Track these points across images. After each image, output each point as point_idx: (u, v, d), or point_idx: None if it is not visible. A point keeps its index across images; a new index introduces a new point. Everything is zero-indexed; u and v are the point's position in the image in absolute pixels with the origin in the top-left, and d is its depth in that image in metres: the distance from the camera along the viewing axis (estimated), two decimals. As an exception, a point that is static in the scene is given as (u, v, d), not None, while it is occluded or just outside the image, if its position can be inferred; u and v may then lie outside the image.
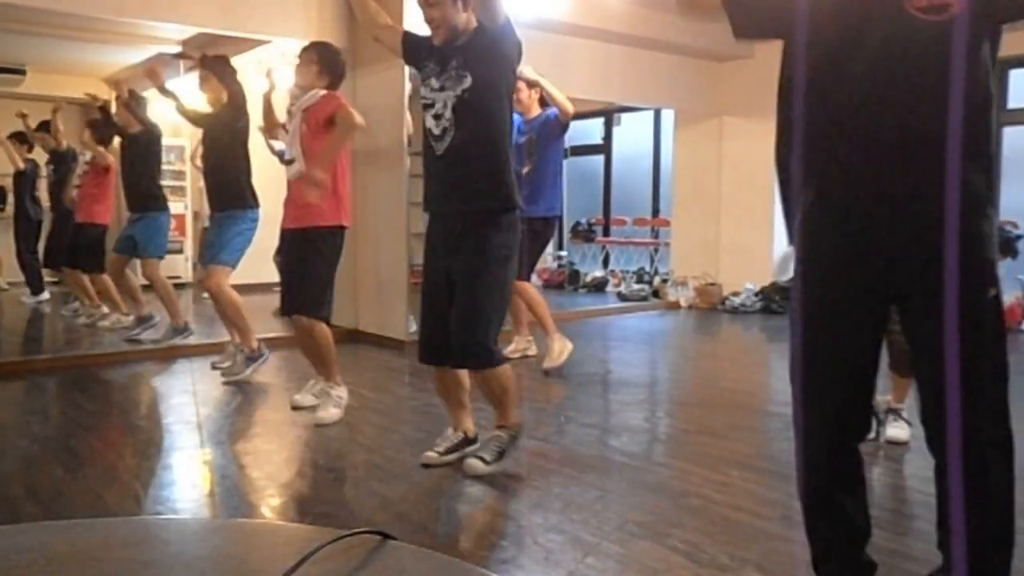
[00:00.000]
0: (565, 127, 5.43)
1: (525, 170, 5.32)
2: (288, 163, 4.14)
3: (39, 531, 0.95)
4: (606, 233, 11.10)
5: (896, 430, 3.81)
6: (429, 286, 3.35)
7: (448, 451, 3.50)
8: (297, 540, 0.90)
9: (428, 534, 2.86)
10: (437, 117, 3.19)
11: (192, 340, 6.06)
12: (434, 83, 3.20)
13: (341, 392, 4.27)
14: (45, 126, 7.57)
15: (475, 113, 3.14)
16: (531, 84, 5.29)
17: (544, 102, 5.47)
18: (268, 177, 5.90)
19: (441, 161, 3.20)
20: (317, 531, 0.92)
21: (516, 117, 5.30)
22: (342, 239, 4.23)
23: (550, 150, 5.45)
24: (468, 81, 3.12)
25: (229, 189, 5.03)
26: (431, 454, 3.49)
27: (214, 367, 5.40)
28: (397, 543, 0.90)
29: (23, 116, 7.50)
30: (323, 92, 4.13)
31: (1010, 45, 1.98)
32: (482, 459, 3.29)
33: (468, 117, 3.14)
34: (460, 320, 3.18)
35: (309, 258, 4.12)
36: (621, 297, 9.38)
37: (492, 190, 3.18)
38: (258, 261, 7.69)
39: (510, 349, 5.68)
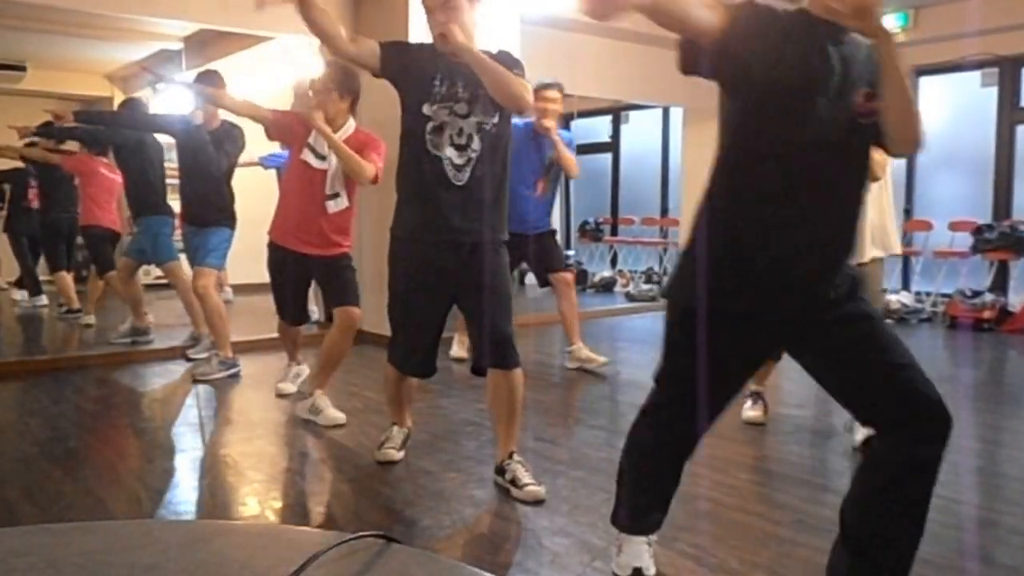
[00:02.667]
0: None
1: (539, 191, 5.32)
2: (332, 197, 4.19)
3: (39, 534, 0.93)
4: (614, 233, 11.08)
5: (755, 412, 4.14)
6: (418, 308, 3.35)
7: (402, 446, 3.61)
8: (301, 543, 0.89)
9: (433, 537, 2.82)
10: (460, 147, 3.07)
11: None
12: (460, 108, 3.06)
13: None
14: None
15: (499, 147, 3.13)
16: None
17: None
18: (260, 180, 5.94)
19: (459, 192, 3.10)
20: (321, 534, 0.92)
21: (523, 124, 5.29)
22: None
23: (559, 168, 5.45)
24: (496, 116, 3.08)
25: (218, 206, 5.34)
26: (394, 453, 3.55)
27: (188, 358, 5.70)
28: (401, 546, 0.89)
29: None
30: (353, 128, 4.19)
31: (1021, 44, 1.98)
32: (535, 482, 3.15)
33: (493, 150, 3.10)
34: (497, 322, 3.15)
35: (346, 273, 4.31)
36: (629, 297, 9.36)
37: (503, 221, 3.22)
38: (254, 262, 7.68)
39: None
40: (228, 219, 5.34)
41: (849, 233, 2.14)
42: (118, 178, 6.40)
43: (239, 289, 8.97)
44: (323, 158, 4.13)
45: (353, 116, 4.22)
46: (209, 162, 5.14)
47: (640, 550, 2.39)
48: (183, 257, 5.75)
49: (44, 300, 8.30)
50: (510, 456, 3.22)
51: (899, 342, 2.14)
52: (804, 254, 2.10)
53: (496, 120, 3.09)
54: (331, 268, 4.27)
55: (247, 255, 6.48)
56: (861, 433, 3.81)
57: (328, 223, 4.20)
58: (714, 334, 2.14)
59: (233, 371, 5.23)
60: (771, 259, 2.12)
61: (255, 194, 6.38)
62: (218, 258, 5.32)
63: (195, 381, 5.08)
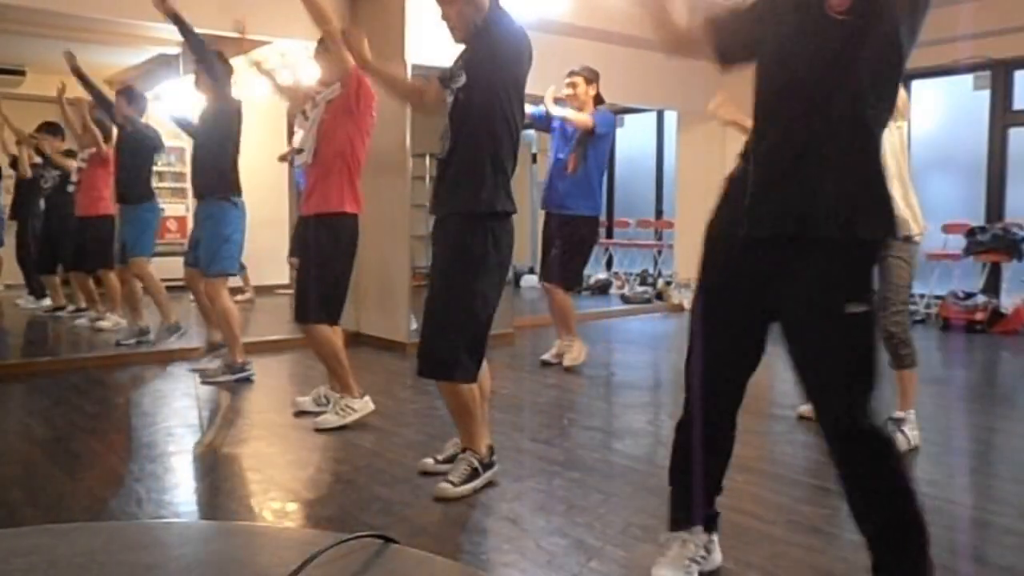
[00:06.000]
0: (591, 133, 5.47)
1: (569, 168, 5.41)
2: (296, 152, 4.12)
3: (39, 535, 0.94)
4: (609, 235, 11.08)
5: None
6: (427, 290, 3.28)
7: (447, 460, 3.44)
8: (299, 544, 0.89)
9: (430, 538, 2.84)
10: (445, 119, 3.11)
11: (193, 343, 6.04)
12: (450, 85, 3.11)
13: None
14: (50, 128, 7.55)
15: (468, 114, 3.01)
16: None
17: (599, 100, 5.53)
18: (271, 181, 5.96)
19: (440, 164, 3.13)
20: (319, 535, 0.92)
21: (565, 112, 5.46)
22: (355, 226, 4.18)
23: (599, 149, 5.50)
24: (462, 79, 3.01)
25: (218, 177, 5.06)
26: (428, 461, 3.47)
27: (197, 371, 5.47)
28: (399, 547, 0.90)
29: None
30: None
31: (1015, 47, 1.98)
32: (450, 482, 3.13)
33: (462, 118, 3.03)
34: (423, 325, 3.09)
35: (311, 246, 4.11)
36: (624, 299, 9.37)
37: (475, 193, 3.01)
38: (263, 263, 7.66)
39: (551, 353, 5.75)
40: (224, 194, 5.07)
41: (822, 153, 2.01)
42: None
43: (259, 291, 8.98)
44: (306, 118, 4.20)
45: None
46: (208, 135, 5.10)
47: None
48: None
49: (48, 301, 8.29)
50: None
51: (820, 359, 2.08)
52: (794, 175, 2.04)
53: (463, 82, 3.02)
54: (308, 233, 4.10)
55: (257, 257, 6.55)
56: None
57: (311, 179, 4.14)
58: (710, 275, 2.30)
59: (244, 377, 5.14)
60: (753, 184, 2.10)
61: (270, 196, 6.39)
62: (220, 262, 5.03)
63: (203, 383, 5.09)
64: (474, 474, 3.17)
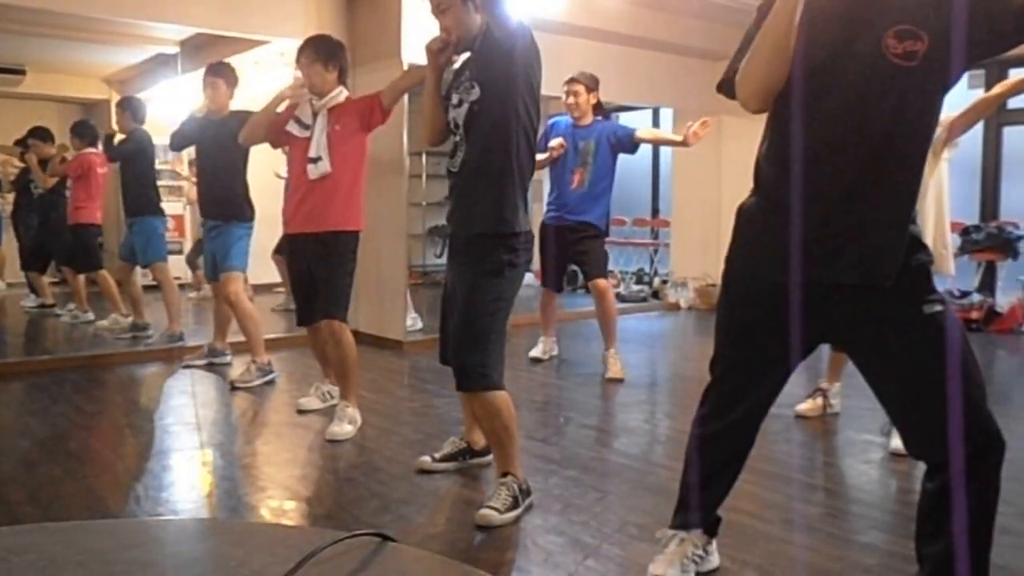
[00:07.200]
0: (636, 147, 5.58)
1: (576, 177, 5.39)
2: (313, 161, 3.98)
3: (38, 533, 0.95)
4: (605, 233, 11.06)
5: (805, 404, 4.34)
6: (443, 293, 3.22)
7: (445, 458, 3.48)
8: (297, 542, 0.90)
9: (428, 536, 2.85)
10: (453, 133, 3.02)
11: (192, 342, 6.04)
12: (453, 99, 3.02)
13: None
14: (40, 134, 7.60)
15: (483, 127, 2.90)
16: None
17: (599, 108, 5.48)
18: (269, 180, 5.96)
19: (454, 178, 3.04)
20: (317, 533, 0.92)
21: (564, 119, 5.47)
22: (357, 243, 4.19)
23: (613, 161, 5.49)
24: (476, 92, 2.92)
25: (231, 200, 5.14)
26: (426, 459, 3.48)
27: (187, 366, 5.59)
28: (397, 545, 0.90)
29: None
30: (346, 93, 4.11)
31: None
32: (495, 509, 2.93)
33: (477, 131, 2.92)
34: (455, 337, 3.01)
35: (332, 263, 4.07)
36: (620, 298, 9.35)
37: (496, 214, 2.93)
38: (262, 263, 7.65)
39: (540, 350, 5.81)
40: (241, 216, 5.17)
41: (895, 199, 1.97)
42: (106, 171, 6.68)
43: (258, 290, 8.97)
44: (306, 127, 4.04)
45: (344, 87, 4.13)
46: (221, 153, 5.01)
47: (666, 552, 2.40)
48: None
49: (49, 299, 8.32)
50: (467, 444, 3.50)
51: (963, 363, 1.99)
52: (846, 219, 1.97)
53: (477, 96, 2.92)
54: (321, 250, 4.05)
55: (264, 256, 6.59)
56: (896, 441, 3.51)
57: (315, 193, 4.01)
58: (751, 307, 2.16)
59: (269, 377, 5.12)
60: (813, 226, 1.98)
61: (264, 195, 6.39)
62: (238, 258, 5.12)
63: (233, 388, 5.00)
64: (516, 502, 2.98)
